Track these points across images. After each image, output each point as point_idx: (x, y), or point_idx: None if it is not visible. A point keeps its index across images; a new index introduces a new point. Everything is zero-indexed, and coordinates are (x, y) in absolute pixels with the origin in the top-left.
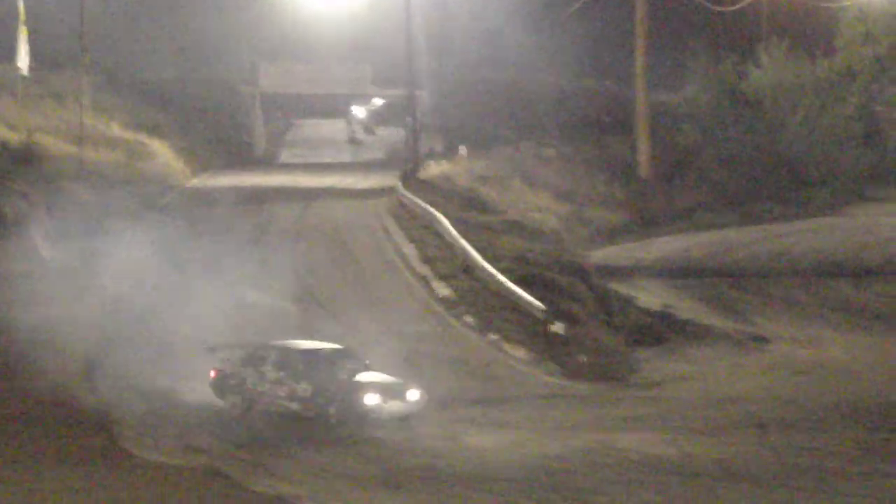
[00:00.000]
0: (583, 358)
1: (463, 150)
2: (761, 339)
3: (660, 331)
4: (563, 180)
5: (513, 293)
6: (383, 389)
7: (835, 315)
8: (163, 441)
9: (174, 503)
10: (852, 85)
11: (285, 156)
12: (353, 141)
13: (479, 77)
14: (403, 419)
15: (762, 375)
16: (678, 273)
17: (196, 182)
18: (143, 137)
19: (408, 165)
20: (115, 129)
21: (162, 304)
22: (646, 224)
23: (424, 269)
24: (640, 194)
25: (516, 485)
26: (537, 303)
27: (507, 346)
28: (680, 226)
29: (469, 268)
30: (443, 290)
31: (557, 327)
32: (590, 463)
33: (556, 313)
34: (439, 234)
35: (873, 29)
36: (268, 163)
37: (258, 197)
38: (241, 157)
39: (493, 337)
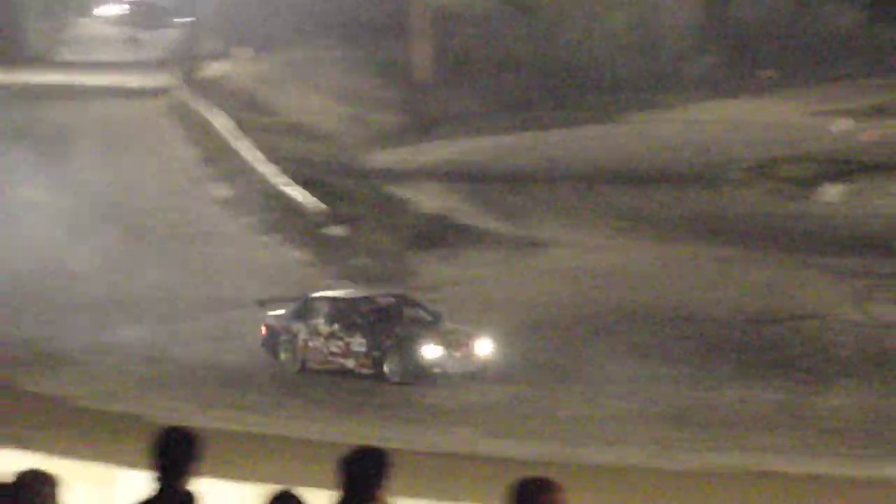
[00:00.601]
0: (361, 260)
1: (242, 50)
2: (539, 244)
3: (438, 234)
4: (342, 82)
5: (291, 195)
6: (447, 341)
7: (612, 221)
8: None
9: None
10: None
11: (62, 54)
12: (131, 40)
13: None
14: (472, 375)
15: (540, 279)
16: (456, 177)
17: None
18: None
19: (187, 65)
20: None
21: None
22: (424, 128)
23: (202, 171)
24: (419, 98)
25: None
26: (316, 204)
27: (285, 248)
28: (458, 130)
29: (247, 169)
30: (221, 191)
31: (336, 229)
32: None
33: (334, 215)
34: (218, 135)
35: None
36: (43, 60)
37: (32, 95)
38: (12, 54)
39: (271, 238)
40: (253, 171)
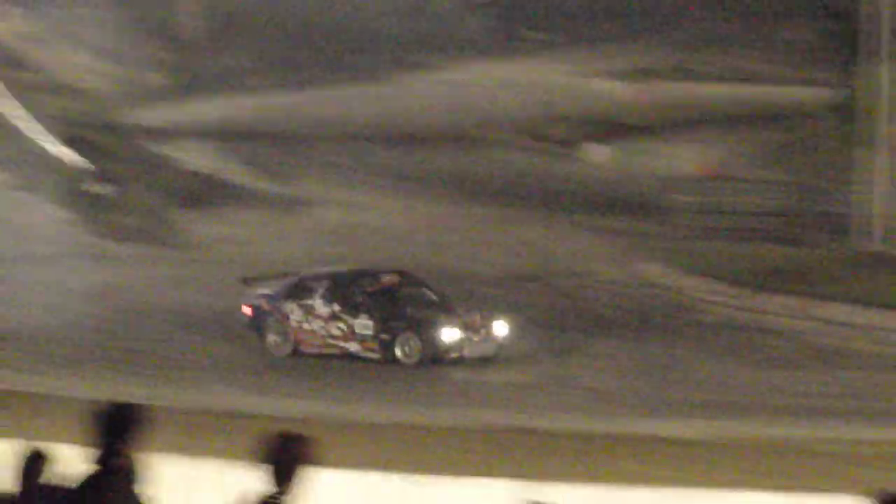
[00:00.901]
0: (126, 219)
1: (6, 6)
2: (305, 203)
3: (204, 193)
4: (108, 40)
5: (55, 153)
6: (465, 323)
7: (378, 180)
8: None
9: None
10: None
11: None
12: None
13: None
14: (490, 358)
15: (306, 238)
16: (223, 136)
17: None
18: None
19: None
20: None
21: None
22: (191, 86)
23: None
24: (186, 56)
25: None
26: (80, 163)
27: (47, 207)
28: (225, 88)
29: (9, 127)
30: None
31: (100, 188)
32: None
33: (99, 174)
34: None
35: None
36: None
37: None
38: None
39: (34, 197)
40: (15, 128)
